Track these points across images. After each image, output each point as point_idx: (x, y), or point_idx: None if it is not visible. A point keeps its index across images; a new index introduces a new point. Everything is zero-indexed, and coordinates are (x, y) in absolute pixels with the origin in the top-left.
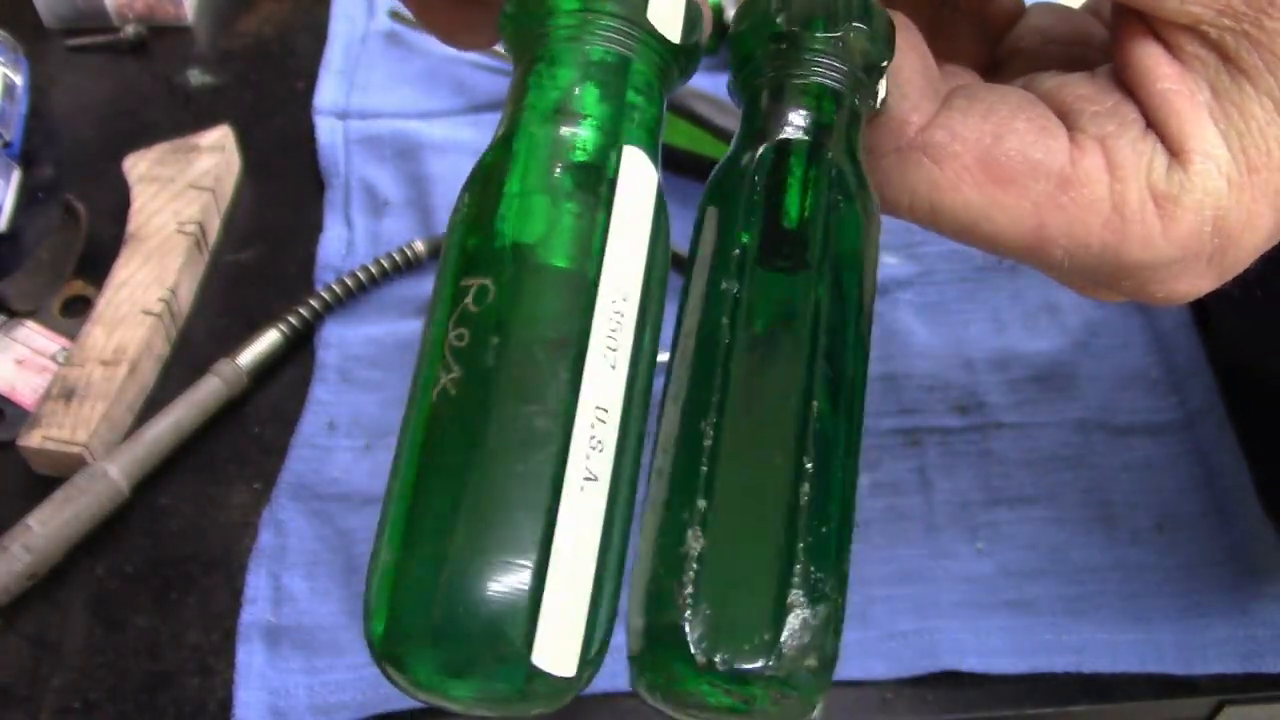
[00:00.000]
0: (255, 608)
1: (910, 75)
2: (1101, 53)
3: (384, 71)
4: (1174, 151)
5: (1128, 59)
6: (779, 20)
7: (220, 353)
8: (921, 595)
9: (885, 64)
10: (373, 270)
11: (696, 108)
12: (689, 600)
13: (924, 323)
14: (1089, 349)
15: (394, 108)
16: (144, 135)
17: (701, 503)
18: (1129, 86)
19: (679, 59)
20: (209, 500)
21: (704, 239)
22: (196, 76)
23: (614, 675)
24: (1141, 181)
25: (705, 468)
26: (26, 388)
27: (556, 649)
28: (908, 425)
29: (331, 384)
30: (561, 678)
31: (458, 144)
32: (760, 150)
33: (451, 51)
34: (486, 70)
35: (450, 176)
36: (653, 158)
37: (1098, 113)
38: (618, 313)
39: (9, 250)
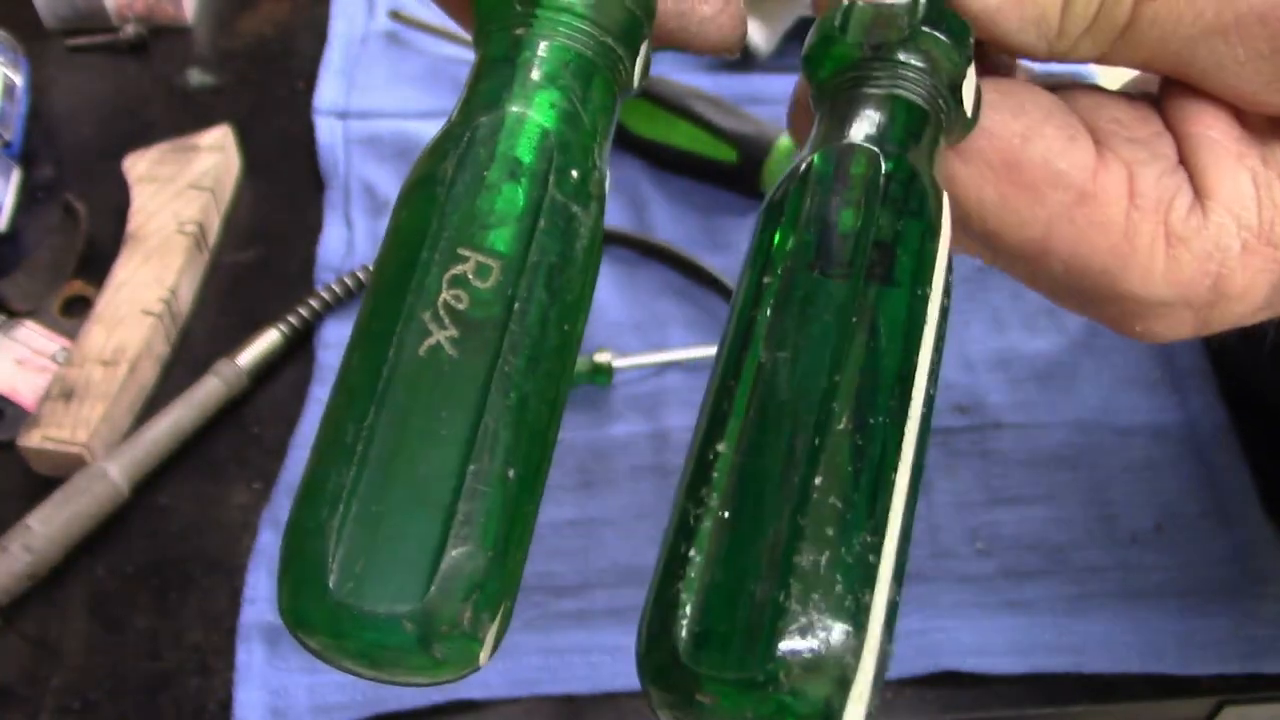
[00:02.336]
0: (255, 608)
1: None
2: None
3: (384, 71)
4: (1199, 195)
5: (1181, 98)
6: (855, 36)
7: (220, 353)
8: (921, 595)
9: (964, 75)
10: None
11: (696, 107)
12: (681, 604)
13: None
14: (1089, 349)
15: (394, 108)
16: (144, 135)
17: (709, 504)
18: (1170, 122)
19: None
20: (209, 500)
21: (761, 242)
22: (196, 76)
23: (615, 676)
24: (1160, 216)
25: (715, 472)
26: (26, 388)
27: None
28: None
29: (331, 384)
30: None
31: None
32: (829, 154)
33: (451, 51)
34: None
35: None
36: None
37: (1131, 139)
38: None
39: (9, 250)
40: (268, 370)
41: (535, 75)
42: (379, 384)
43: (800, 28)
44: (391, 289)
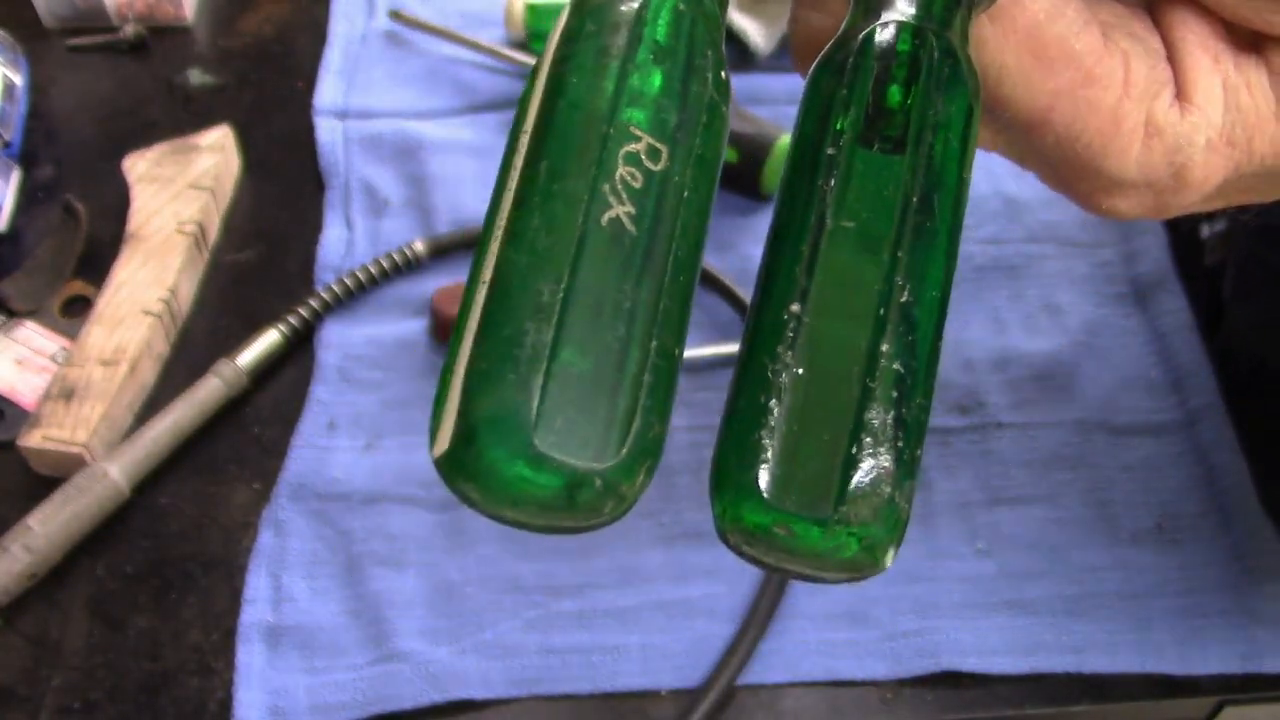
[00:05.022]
0: (255, 608)
1: None
2: None
3: (384, 71)
4: (1179, 93)
5: (1171, 8)
6: None
7: (220, 353)
8: (921, 595)
9: None
10: (373, 270)
11: None
12: (765, 449)
13: None
14: (1089, 349)
15: (394, 108)
16: (144, 135)
17: (786, 361)
18: (1161, 22)
19: None
20: (209, 500)
21: (808, 113)
22: (196, 76)
23: (615, 676)
24: (1144, 105)
25: (790, 330)
26: (26, 388)
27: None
28: None
29: (331, 384)
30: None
31: (458, 144)
32: (871, 30)
33: (451, 51)
34: (486, 70)
35: (450, 176)
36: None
37: (1130, 34)
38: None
39: (9, 250)
40: (268, 370)
41: None
42: (571, 249)
43: None
44: (573, 154)
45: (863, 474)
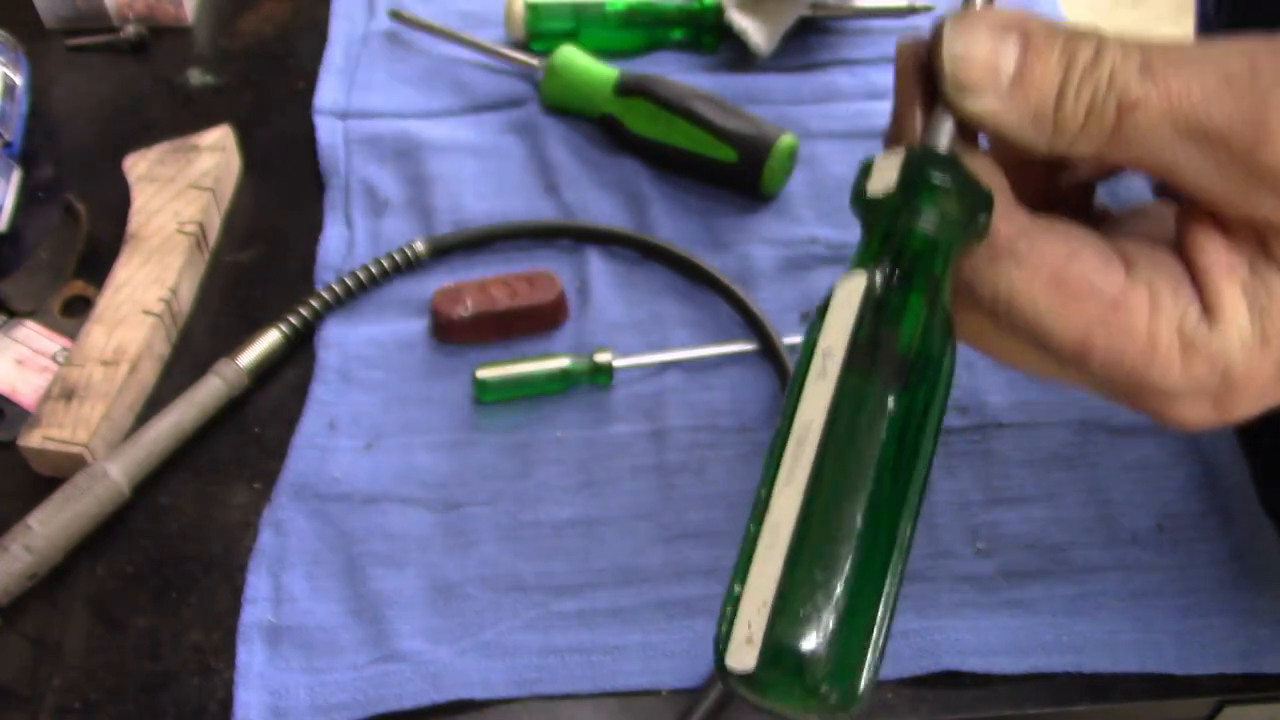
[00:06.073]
0: (255, 608)
1: (1000, 194)
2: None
3: (384, 71)
4: (1206, 309)
5: (1188, 235)
6: (894, 197)
7: (220, 353)
8: (921, 595)
9: (984, 220)
10: (373, 270)
11: (696, 108)
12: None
13: None
14: None
15: (394, 108)
16: (144, 135)
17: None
18: (1184, 252)
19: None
20: (209, 500)
21: (824, 343)
22: (196, 76)
23: (615, 676)
24: (1174, 325)
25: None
26: (27, 388)
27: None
28: None
29: (332, 384)
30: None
31: (458, 144)
32: (882, 288)
33: (451, 51)
34: (486, 70)
35: (450, 176)
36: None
37: (1153, 261)
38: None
39: (9, 250)
40: (268, 370)
41: None
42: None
43: (801, 28)
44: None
45: (826, 667)
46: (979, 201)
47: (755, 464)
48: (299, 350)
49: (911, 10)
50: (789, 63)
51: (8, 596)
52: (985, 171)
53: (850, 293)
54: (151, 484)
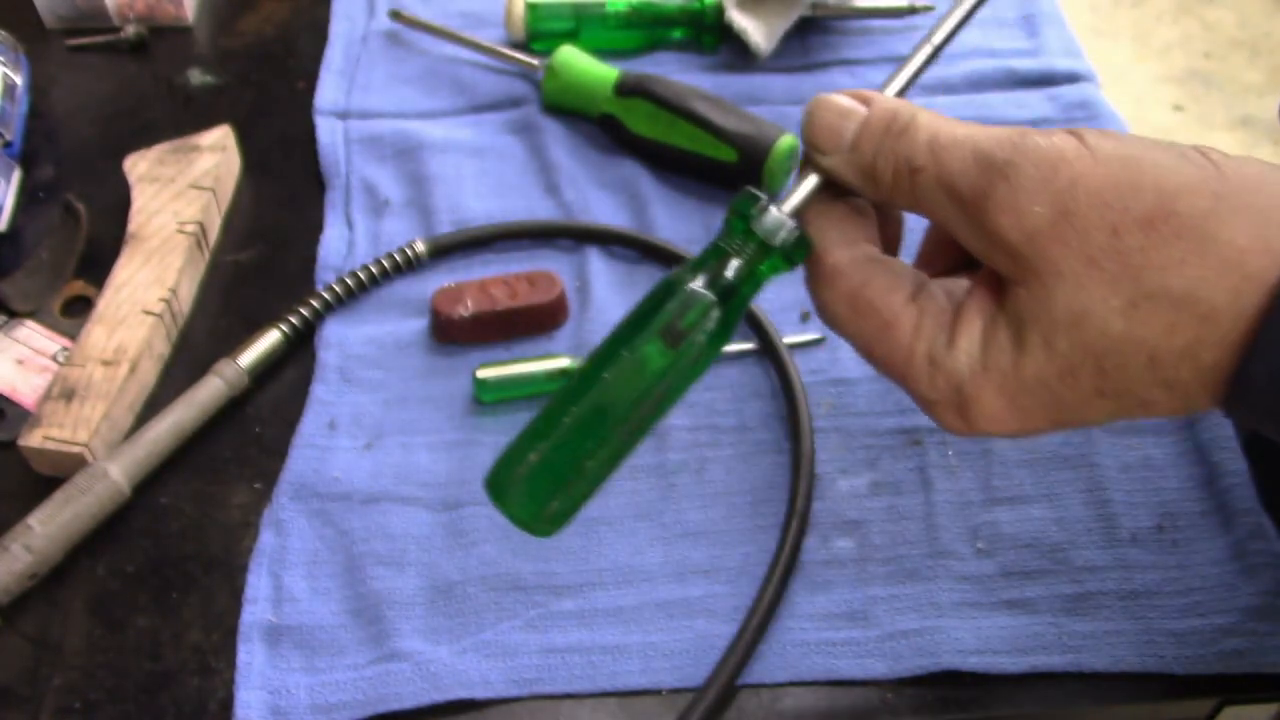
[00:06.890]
0: (256, 608)
1: (838, 233)
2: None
3: (384, 71)
4: (950, 338)
5: (972, 282)
6: (741, 225)
7: (221, 353)
8: (921, 595)
9: (798, 258)
10: (373, 270)
11: (696, 108)
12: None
13: None
14: None
15: (394, 108)
16: (144, 135)
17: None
18: (971, 289)
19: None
20: (209, 500)
21: (643, 303)
22: (196, 76)
23: (615, 676)
24: (926, 345)
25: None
26: (27, 388)
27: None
28: (908, 425)
29: (332, 384)
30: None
31: (458, 144)
32: (702, 280)
33: (451, 51)
34: (486, 70)
35: (450, 176)
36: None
37: (933, 299)
38: None
39: (9, 250)
40: (268, 370)
41: None
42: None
43: (801, 28)
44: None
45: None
46: (790, 241)
47: (755, 464)
48: (299, 350)
49: (911, 10)
50: (789, 63)
51: (8, 596)
52: (834, 217)
53: (677, 283)
54: (151, 484)
